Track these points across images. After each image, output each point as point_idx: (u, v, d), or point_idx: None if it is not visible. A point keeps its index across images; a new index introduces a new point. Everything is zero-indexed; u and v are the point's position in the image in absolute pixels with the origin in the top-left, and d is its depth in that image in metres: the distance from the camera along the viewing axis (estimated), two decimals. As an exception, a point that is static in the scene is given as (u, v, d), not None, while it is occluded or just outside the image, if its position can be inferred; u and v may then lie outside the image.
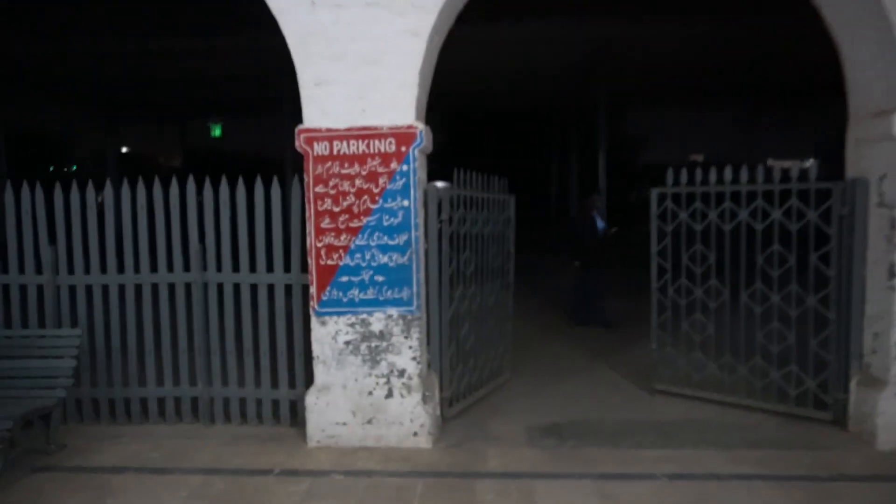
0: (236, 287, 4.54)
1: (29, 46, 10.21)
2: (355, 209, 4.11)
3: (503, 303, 5.56)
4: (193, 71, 12.06)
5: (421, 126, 4.09)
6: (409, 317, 4.15)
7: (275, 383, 4.56)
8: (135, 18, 9.36)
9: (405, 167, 4.07)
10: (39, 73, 12.56)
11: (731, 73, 13.05)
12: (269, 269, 4.49)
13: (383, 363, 4.17)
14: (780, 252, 4.47)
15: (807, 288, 4.39)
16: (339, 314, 4.17)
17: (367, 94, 4.07)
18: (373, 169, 4.09)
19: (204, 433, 4.48)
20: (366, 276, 4.14)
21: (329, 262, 4.16)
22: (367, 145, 4.08)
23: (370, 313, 4.16)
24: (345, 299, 4.16)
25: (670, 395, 5.04)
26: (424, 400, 4.14)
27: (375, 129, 4.07)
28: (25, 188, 4.58)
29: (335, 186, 4.11)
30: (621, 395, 5.22)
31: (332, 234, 4.14)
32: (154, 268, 4.59)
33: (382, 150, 4.07)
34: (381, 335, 4.16)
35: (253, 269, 4.51)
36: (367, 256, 4.13)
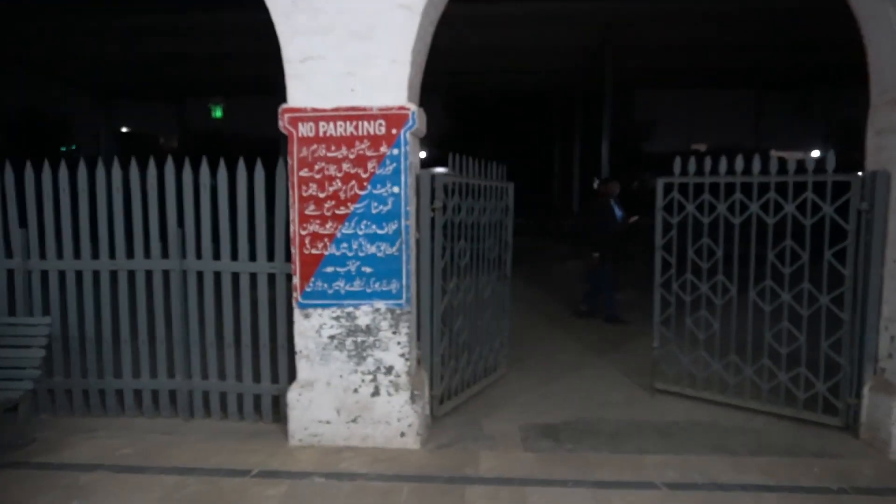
0: (217, 276, 4.31)
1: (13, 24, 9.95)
2: (342, 195, 3.86)
3: (500, 295, 5.32)
4: (181, 51, 11.79)
5: (413, 107, 3.82)
6: (398, 311, 3.91)
7: (257, 377, 4.34)
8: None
9: (396, 151, 3.81)
10: (23, 51, 12.32)
11: (740, 56, 12.75)
12: (252, 257, 4.25)
13: (370, 359, 3.94)
14: (792, 248, 4.23)
15: (820, 286, 4.15)
16: (323, 306, 3.93)
17: (357, 71, 3.79)
18: (361, 152, 3.82)
19: (182, 428, 4.28)
20: (352, 266, 3.89)
21: (314, 252, 3.91)
22: (356, 127, 3.81)
23: (356, 306, 3.92)
24: (330, 291, 3.92)
25: (672, 394, 4.83)
26: (413, 399, 3.92)
27: (364, 109, 3.80)
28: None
29: (321, 171, 3.85)
30: (621, 394, 5.01)
31: (318, 221, 3.88)
32: (131, 254, 4.36)
33: (372, 132, 3.80)
34: (368, 330, 3.93)
35: (235, 257, 4.27)
36: (354, 246, 3.88)
